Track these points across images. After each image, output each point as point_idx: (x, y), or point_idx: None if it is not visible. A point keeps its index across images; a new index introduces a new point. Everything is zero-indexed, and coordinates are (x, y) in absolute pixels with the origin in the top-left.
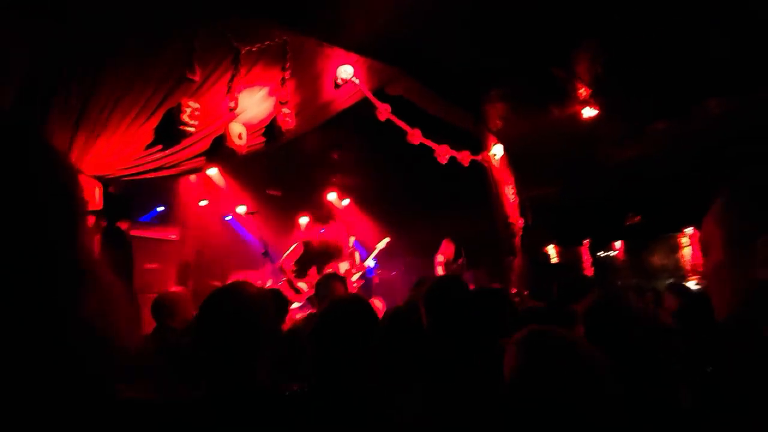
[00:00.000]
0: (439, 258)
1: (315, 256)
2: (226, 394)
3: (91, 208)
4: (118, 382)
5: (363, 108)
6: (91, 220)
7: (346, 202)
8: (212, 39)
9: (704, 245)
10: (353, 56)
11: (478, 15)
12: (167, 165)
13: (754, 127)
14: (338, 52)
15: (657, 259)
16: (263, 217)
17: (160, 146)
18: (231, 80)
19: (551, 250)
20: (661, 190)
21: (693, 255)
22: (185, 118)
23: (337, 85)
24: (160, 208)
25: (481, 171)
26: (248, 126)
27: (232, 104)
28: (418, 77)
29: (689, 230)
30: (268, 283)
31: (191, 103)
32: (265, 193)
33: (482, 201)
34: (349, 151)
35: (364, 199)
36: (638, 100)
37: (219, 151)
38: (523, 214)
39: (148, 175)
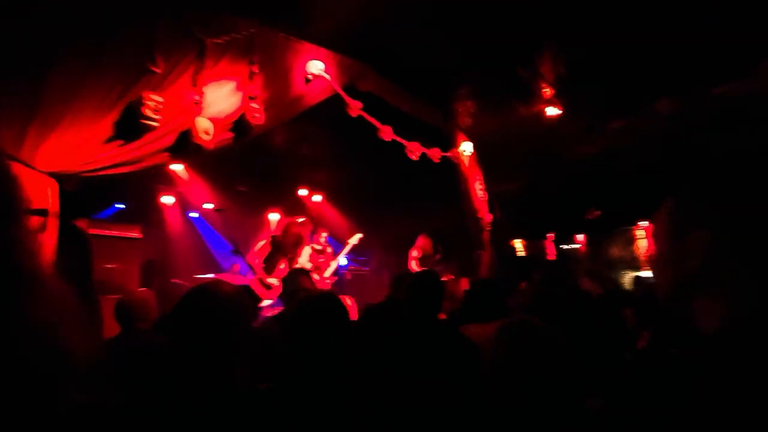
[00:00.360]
0: (414, 253)
1: (283, 250)
2: (205, 394)
3: (42, 206)
4: (72, 388)
5: (334, 104)
6: (38, 219)
7: (317, 197)
8: (175, 30)
9: (654, 237)
10: (323, 51)
11: (447, 13)
12: (128, 161)
13: (702, 125)
14: (307, 47)
15: (615, 251)
16: (232, 214)
17: (120, 141)
18: (196, 73)
19: (518, 243)
20: (619, 185)
21: (648, 247)
22: (148, 111)
23: (307, 81)
24: (120, 206)
25: (450, 167)
26: (215, 121)
27: (197, 98)
28: (389, 74)
29: (644, 224)
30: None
31: (154, 97)
32: (234, 190)
33: (452, 196)
34: (320, 146)
35: (335, 195)
36: (597, 99)
37: (185, 146)
38: (491, 209)
39: (107, 171)
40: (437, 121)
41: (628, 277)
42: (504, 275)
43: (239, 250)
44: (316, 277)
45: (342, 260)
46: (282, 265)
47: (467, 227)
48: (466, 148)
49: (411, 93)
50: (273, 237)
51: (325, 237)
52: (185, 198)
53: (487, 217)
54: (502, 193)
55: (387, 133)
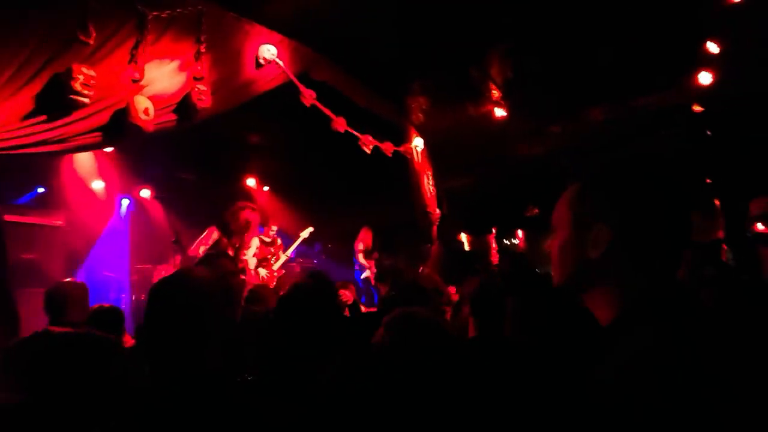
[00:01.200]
0: (360, 246)
1: (230, 235)
2: (173, 382)
3: None
4: None
5: (286, 92)
6: None
7: (265, 188)
8: None
9: (554, 224)
10: (276, 36)
11: (403, 7)
12: (52, 139)
13: (631, 133)
14: (260, 30)
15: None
16: (173, 203)
17: (43, 117)
18: (135, 48)
19: (464, 237)
20: (555, 185)
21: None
22: (77, 86)
23: (258, 65)
24: (41, 190)
25: (401, 161)
26: (156, 101)
27: (137, 75)
28: (344, 65)
29: None
30: None
31: (85, 70)
32: (176, 177)
33: (402, 190)
34: (269, 135)
35: (284, 186)
36: (539, 104)
37: (120, 126)
38: (439, 204)
39: (26, 150)
40: (391, 115)
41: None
42: (450, 268)
43: (180, 240)
44: (264, 270)
45: (289, 253)
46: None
47: (416, 221)
48: (418, 143)
49: (366, 86)
50: (219, 222)
51: (275, 229)
52: (118, 182)
53: (436, 212)
54: (449, 189)
55: (340, 124)
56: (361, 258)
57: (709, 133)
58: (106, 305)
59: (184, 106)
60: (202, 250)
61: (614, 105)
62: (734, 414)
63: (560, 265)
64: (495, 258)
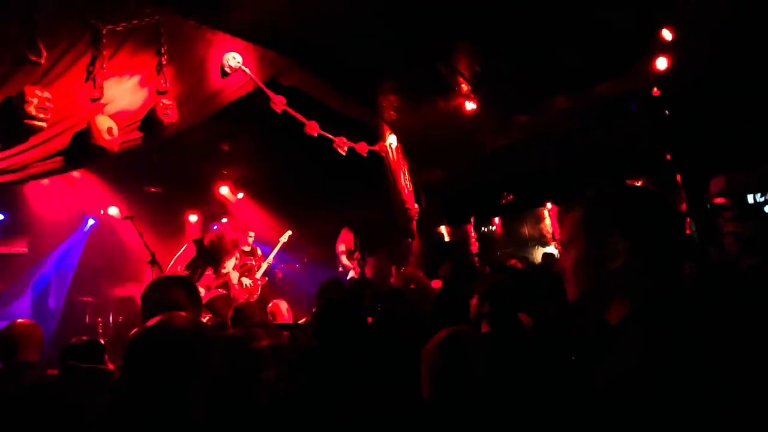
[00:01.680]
0: (341, 247)
1: (209, 256)
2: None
3: None
4: None
5: (255, 98)
6: None
7: (239, 195)
8: (62, 13)
9: (565, 244)
10: (240, 43)
11: (369, 9)
12: (10, 168)
13: (594, 120)
14: (223, 37)
15: (526, 230)
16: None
17: None
18: (91, 65)
19: (443, 230)
20: (527, 171)
21: (552, 225)
22: (32, 109)
23: (224, 74)
24: (0, 217)
25: (376, 160)
26: (119, 119)
27: (96, 93)
28: (313, 69)
29: (549, 205)
30: None
31: (39, 92)
32: (144, 191)
33: (379, 188)
34: (241, 142)
35: (259, 191)
36: (506, 95)
37: (83, 149)
38: (417, 199)
39: None
40: (363, 115)
41: (538, 253)
42: (433, 261)
43: (157, 260)
44: (247, 280)
45: (270, 259)
46: (208, 272)
47: (395, 218)
48: (392, 140)
49: (336, 88)
50: (198, 242)
51: (253, 236)
52: (83, 202)
53: (414, 207)
54: (426, 183)
55: (313, 128)
56: (344, 259)
57: (666, 112)
58: (83, 339)
59: (149, 122)
60: (179, 268)
61: (576, 93)
62: (732, 412)
63: (578, 280)
64: (475, 247)
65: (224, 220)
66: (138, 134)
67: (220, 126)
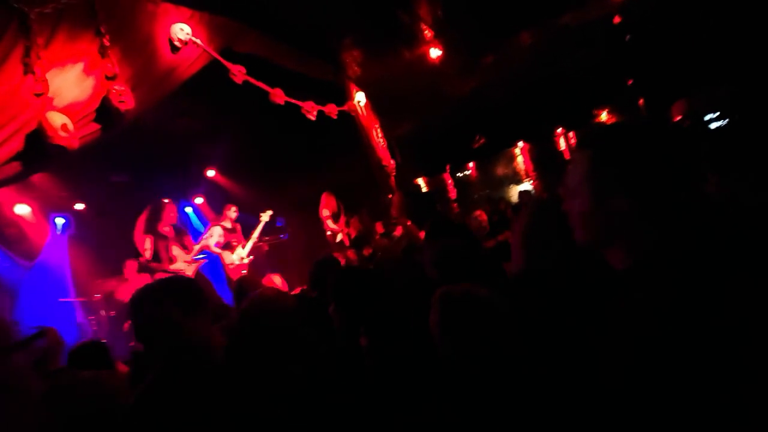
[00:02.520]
0: (325, 213)
1: (160, 234)
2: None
3: None
4: None
5: (214, 70)
6: None
7: (210, 173)
8: None
9: (571, 189)
10: (186, 11)
11: None
12: None
13: (557, 53)
14: (166, 7)
15: (499, 170)
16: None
17: None
18: (26, 56)
19: (420, 181)
20: (497, 113)
21: (525, 163)
22: None
23: (175, 49)
24: None
25: (347, 121)
26: (71, 112)
27: (39, 88)
28: (267, 31)
29: (520, 144)
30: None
31: None
32: (109, 181)
33: (353, 148)
34: (204, 118)
35: (232, 166)
36: (470, 38)
37: (40, 150)
38: (392, 154)
39: None
40: (327, 75)
41: (514, 191)
42: (415, 212)
43: (139, 250)
44: (233, 256)
45: (255, 238)
46: (175, 249)
47: (374, 176)
48: (360, 98)
49: (295, 49)
50: (146, 223)
51: (235, 213)
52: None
53: (390, 163)
54: (399, 137)
55: (278, 96)
56: (330, 224)
57: (627, 38)
58: (87, 342)
59: (105, 112)
60: (148, 256)
61: (539, 26)
62: (726, 363)
63: (584, 229)
64: (453, 193)
65: (198, 200)
66: (96, 126)
67: (180, 104)
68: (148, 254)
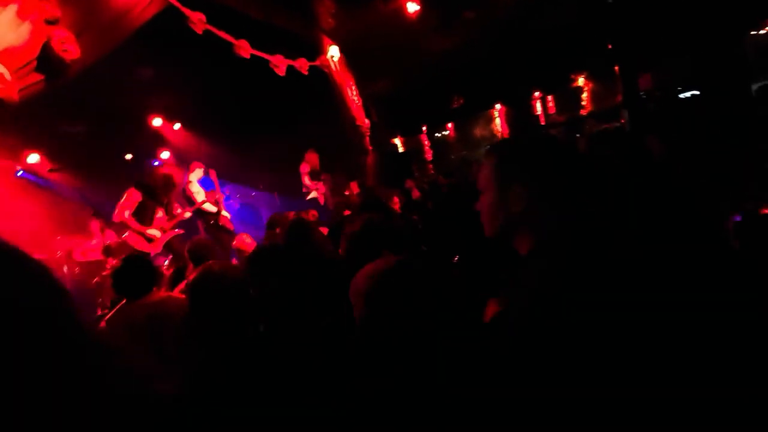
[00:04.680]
0: (305, 168)
1: (155, 196)
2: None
3: None
4: None
5: (172, 17)
6: None
7: (176, 126)
8: None
9: (481, 188)
10: None
11: None
12: None
13: (542, 12)
14: None
15: (477, 132)
16: (72, 163)
17: None
18: None
19: (397, 141)
20: (476, 72)
21: (501, 125)
22: None
23: None
24: None
25: (320, 76)
26: (8, 60)
27: None
28: None
29: (498, 106)
30: (109, 238)
31: None
32: (63, 131)
33: (327, 104)
34: (167, 66)
35: (196, 120)
36: None
37: None
38: (367, 113)
39: None
40: (297, 26)
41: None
42: (388, 174)
43: (99, 210)
44: (225, 214)
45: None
46: (159, 214)
47: (347, 135)
48: (334, 53)
49: None
50: (139, 183)
51: (212, 172)
52: None
53: (365, 122)
54: (374, 94)
55: (244, 48)
56: (306, 180)
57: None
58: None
59: (47, 61)
60: (127, 214)
61: None
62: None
63: (490, 220)
64: (429, 155)
65: (165, 155)
66: (38, 77)
67: (139, 51)
68: (126, 214)
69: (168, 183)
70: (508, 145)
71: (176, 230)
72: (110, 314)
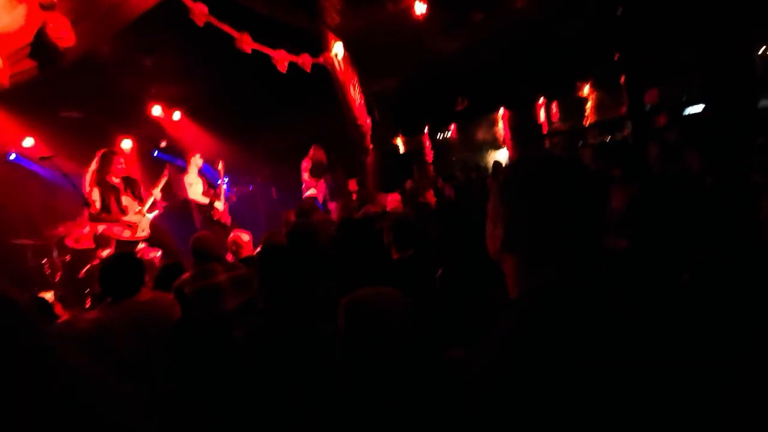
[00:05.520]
0: (305, 164)
1: (111, 187)
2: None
3: None
4: None
5: (173, 7)
6: None
7: (176, 115)
8: None
9: (492, 216)
10: None
11: None
12: None
13: (551, 18)
14: None
15: (480, 135)
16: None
17: None
18: None
19: (399, 141)
20: (481, 75)
21: (504, 130)
22: None
23: None
24: None
25: (323, 71)
26: (1, 46)
27: None
28: None
29: (501, 110)
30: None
31: None
32: (60, 116)
33: (329, 101)
34: (169, 55)
35: (197, 110)
36: None
37: None
38: (369, 112)
39: None
40: (302, 21)
41: (491, 157)
42: (389, 174)
43: (87, 200)
44: (219, 205)
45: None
46: (124, 199)
47: (348, 133)
48: (338, 50)
49: None
50: (96, 174)
51: (222, 164)
52: None
53: (366, 122)
54: (378, 93)
55: (246, 42)
56: (305, 176)
57: (619, 11)
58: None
59: (41, 47)
60: (96, 209)
61: None
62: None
63: (488, 244)
64: (429, 156)
65: (163, 144)
66: (31, 64)
67: (140, 39)
68: (97, 205)
69: (113, 168)
70: (506, 171)
71: (155, 212)
72: (94, 312)
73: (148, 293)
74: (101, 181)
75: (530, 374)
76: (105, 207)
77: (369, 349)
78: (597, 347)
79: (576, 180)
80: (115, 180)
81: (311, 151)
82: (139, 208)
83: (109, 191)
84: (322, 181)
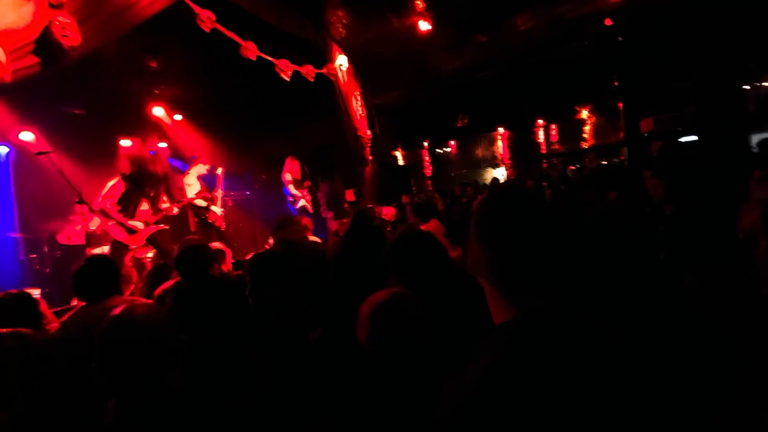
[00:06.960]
0: (287, 177)
1: (141, 188)
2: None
3: None
4: None
5: (181, 11)
6: None
7: (177, 117)
8: None
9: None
10: None
11: None
12: None
13: (552, 41)
14: None
15: (479, 152)
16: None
17: None
18: None
19: (398, 154)
20: (482, 94)
21: (503, 148)
22: None
23: None
24: None
25: (325, 81)
26: (5, 41)
27: None
28: None
29: (501, 129)
30: (94, 225)
31: None
32: (61, 112)
33: (330, 111)
34: (173, 57)
35: (198, 113)
36: (464, 14)
37: None
38: (370, 124)
39: None
40: (308, 32)
41: (489, 174)
42: (387, 186)
43: (84, 199)
44: (216, 209)
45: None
46: (144, 206)
47: (348, 144)
48: (342, 62)
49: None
50: (124, 174)
51: (222, 170)
52: None
53: (366, 134)
54: (380, 106)
55: (251, 50)
56: (292, 189)
57: (620, 39)
58: (12, 292)
59: (45, 45)
60: (109, 204)
61: (535, 13)
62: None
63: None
64: (428, 170)
65: (162, 144)
66: (34, 60)
67: (147, 39)
68: (110, 204)
69: (155, 175)
70: (486, 204)
71: (160, 225)
72: (68, 315)
73: (118, 300)
74: (136, 180)
75: (525, 406)
76: (123, 203)
77: (403, 354)
78: (587, 377)
79: (540, 213)
80: (148, 190)
81: (287, 163)
82: (149, 220)
83: (135, 192)
84: (306, 191)
